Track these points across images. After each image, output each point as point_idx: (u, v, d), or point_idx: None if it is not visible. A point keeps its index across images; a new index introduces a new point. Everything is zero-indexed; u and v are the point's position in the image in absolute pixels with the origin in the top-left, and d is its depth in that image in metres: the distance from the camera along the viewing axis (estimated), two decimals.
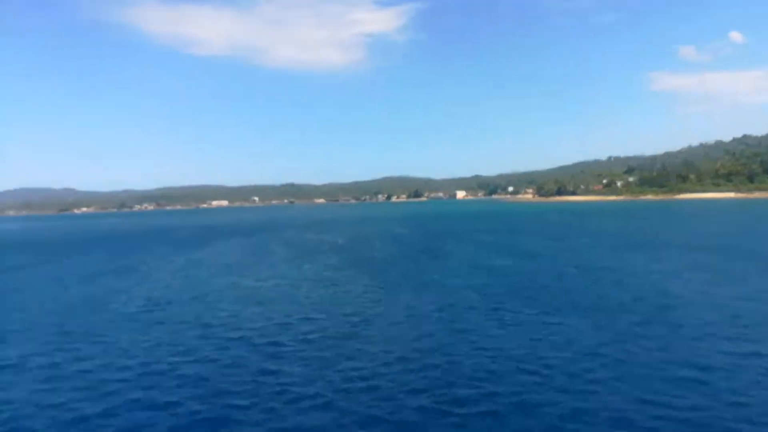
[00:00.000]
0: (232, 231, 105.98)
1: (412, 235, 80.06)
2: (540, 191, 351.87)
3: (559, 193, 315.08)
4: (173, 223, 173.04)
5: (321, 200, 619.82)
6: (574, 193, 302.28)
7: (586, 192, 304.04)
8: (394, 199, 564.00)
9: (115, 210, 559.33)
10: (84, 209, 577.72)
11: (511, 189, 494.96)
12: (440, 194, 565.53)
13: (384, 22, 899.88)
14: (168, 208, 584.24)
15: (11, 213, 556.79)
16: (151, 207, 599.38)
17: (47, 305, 31.90)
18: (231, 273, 44.33)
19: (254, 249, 63.65)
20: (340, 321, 26.12)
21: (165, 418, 15.11)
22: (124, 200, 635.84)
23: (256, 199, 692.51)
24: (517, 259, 46.52)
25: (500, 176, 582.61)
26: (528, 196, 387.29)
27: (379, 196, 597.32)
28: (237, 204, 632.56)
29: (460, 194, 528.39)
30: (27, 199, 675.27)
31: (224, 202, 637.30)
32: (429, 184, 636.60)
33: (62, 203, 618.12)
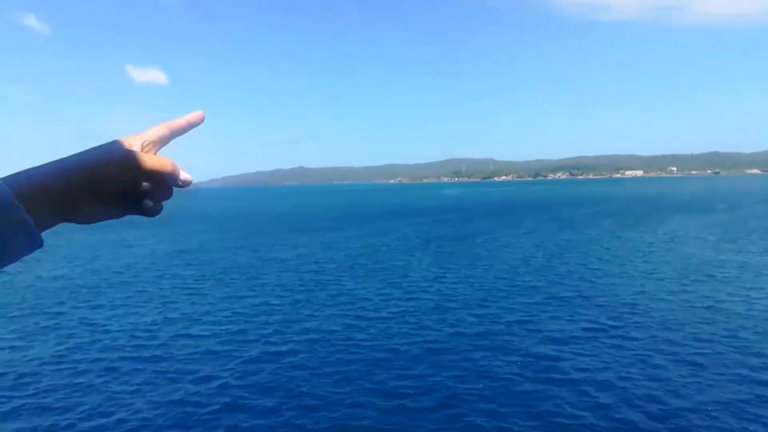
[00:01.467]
0: (681, 205, 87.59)
1: None
2: None
3: None
4: (602, 192, 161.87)
5: (754, 171, 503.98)
6: None
7: None
8: None
9: (530, 179, 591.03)
10: (503, 177, 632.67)
11: None
12: None
13: None
14: (580, 177, 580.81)
15: (446, 179, 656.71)
16: (564, 176, 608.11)
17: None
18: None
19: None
20: None
21: None
22: (538, 169, 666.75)
23: (674, 169, 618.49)
24: None
25: None
26: None
27: None
28: (652, 174, 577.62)
29: None
30: (457, 167, 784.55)
31: (639, 172, 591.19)
32: None
33: (485, 171, 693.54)
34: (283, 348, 15.99)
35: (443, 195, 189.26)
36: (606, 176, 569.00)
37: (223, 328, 18.96)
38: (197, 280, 29.00)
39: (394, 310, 20.56)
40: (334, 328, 18.03)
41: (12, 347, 16.83)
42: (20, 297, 24.11)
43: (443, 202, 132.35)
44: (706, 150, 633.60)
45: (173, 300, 23.99)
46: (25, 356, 15.97)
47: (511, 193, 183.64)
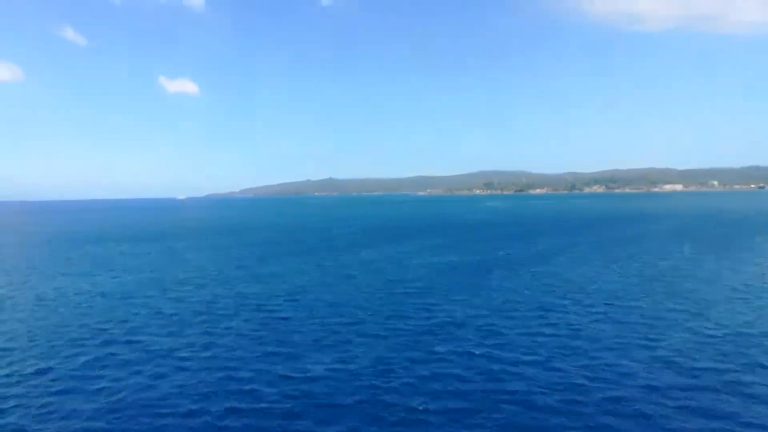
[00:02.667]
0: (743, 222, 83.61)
1: None
2: None
3: None
4: (656, 207, 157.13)
5: None
6: None
7: None
8: None
9: (566, 192, 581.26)
10: (538, 190, 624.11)
11: None
12: None
13: None
14: (617, 191, 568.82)
15: (478, 191, 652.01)
16: (600, 189, 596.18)
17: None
18: None
19: None
20: None
21: None
22: (572, 182, 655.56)
23: (715, 183, 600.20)
24: None
25: None
26: None
27: None
28: (692, 188, 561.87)
29: None
30: (488, 179, 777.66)
31: (678, 186, 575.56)
32: None
33: (518, 184, 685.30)
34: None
35: (488, 207, 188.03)
36: (643, 190, 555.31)
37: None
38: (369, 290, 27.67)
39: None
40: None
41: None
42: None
43: (500, 215, 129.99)
44: (746, 164, 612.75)
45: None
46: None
47: (560, 207, 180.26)
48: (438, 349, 18.08)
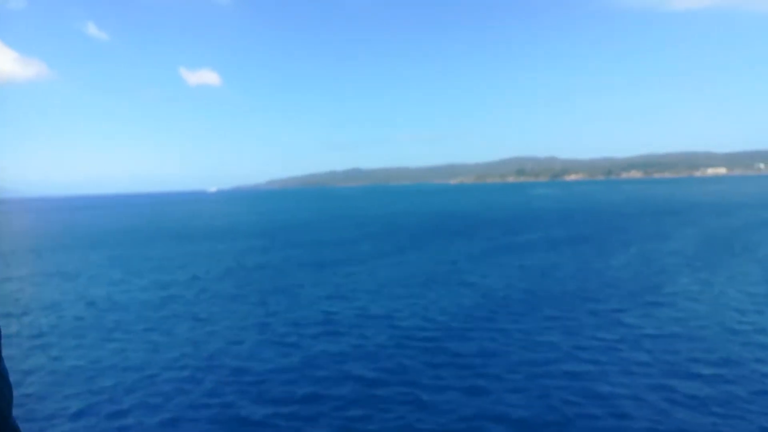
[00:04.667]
0: None
1: None
2: None
3: None
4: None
5: None
6: None
7: None
8: None
9: (602, 177, 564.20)
10: (573, 176, 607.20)
11: None
12: None
13: None
14: (656, 176, 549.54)
15: (510, 179, 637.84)
16: (638, 175, 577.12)
17: None
18: None
19: None
20: None
21: None
22: (609, 168, 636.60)
23: (761, 166, 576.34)
24: None
25: None
26: None
27: None
28: (737, 172, 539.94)
29: None
30: (521, 166, 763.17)
31: (721, 170, 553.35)
32: None
33: (552, 170, 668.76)
34: None
35: (539, 194, 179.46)
36: (685, 174, 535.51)
37: None
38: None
39: None
40: None
41: None
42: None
43: (568, 203, 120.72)
44: None
45: None
46: None
47: (611, 193, 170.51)
48: None
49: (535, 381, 14.07)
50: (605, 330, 18.30)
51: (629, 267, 30.97)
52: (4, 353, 1.70)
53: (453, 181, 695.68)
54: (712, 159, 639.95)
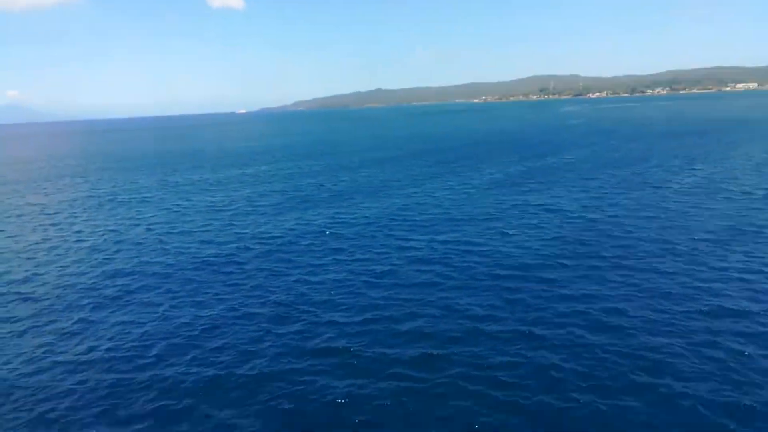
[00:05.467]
0: None
1: None
2: None
3: None
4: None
5: None
6: None
7: None
8: None
9: (626, 95, 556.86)
10: (597, 94, 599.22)
11: None
12: None
13: None
14: (683, 92, 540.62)
15: (534, 97, 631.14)
16: (664, 92, 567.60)
17: None
18: None
19: None
20: None
21: None
22: (633, 85, 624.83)
23: None
24: None
25: None
26: None
27: None
28: None
29: None
30: (543, 84, 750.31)
31: (752, 85, 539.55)
32: None
33: (575, 88, 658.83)
34: None
35: (569, 113, 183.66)
36: (714, 90, 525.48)
37: None
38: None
39: None
40: None
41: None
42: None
43: (605, 120, 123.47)
44: None
45: None
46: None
47: (649, 110, 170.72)
48: None
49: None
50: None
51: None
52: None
53: (476, 100, 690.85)
54: (740, 74, 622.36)
